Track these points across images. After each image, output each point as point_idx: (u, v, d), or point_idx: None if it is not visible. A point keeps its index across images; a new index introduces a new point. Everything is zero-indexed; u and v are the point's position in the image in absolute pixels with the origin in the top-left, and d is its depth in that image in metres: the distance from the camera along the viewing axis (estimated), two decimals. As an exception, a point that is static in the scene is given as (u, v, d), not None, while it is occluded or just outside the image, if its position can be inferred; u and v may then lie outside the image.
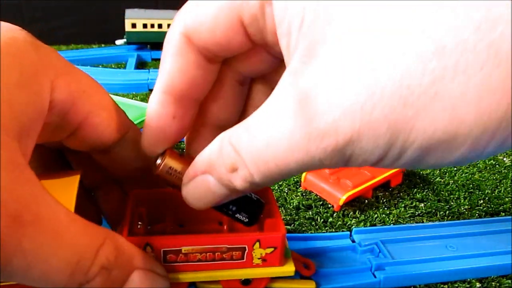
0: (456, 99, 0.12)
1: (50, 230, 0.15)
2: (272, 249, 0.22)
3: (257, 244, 0.22)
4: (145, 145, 0.20)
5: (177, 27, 0.18)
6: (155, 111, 0.19)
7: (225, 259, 0.22)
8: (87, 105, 0.19)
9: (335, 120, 0.13)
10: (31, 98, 0.17)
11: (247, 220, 0.22)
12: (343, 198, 0.34)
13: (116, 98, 0.38)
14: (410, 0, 0.12)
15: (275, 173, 0.16)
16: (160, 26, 0.68)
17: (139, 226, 0.22)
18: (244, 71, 0.21)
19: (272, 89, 0.17)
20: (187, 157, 0.21)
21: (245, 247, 0.22)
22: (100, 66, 0.65)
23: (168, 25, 0.67)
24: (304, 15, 0.14)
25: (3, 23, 0.18)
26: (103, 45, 0.72)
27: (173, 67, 0.19)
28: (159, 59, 0.67)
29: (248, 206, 0.22)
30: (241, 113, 0.22)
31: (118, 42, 0.69)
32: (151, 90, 0.57)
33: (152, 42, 0.69)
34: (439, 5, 0.12)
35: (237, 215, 0.22)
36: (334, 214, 0.35)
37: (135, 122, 0.34)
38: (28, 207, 0.15)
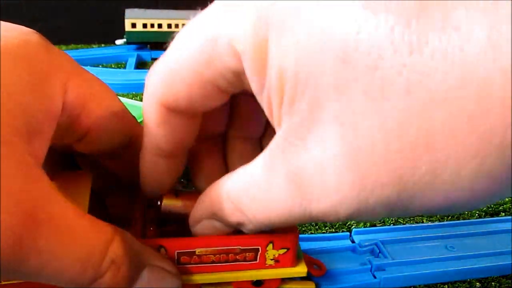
0: (449, 186, 0.12)
1: (63, 228, 0.16)
2: (285, 250, 0.22)
3: (270, 245, 0.22)
4: (146, 192, 0.22)
5: (154, 98, 0.18)
6: (148, 169, 0.21)
7: (238, 260, 0.22)
8: (97, 109, 0.19)
9: (333, 205, 0.14)
10: (43, 100, 0.17)
11: None
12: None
13: (116, 98, 0.38)
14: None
15: (275, 226, 0.17)
16: (160, 26, 0.68)
17: (151, 228, 0.22)
18: None
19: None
20: (184, 193, 0.22)
21: (258, 248, 0.22)
22: (100, 66, 0.65)
23: (168, 25, 0.68)
24: (284, 93, 0.14)
25: (16, 25, 0.18)
26: (103, 45, 0.72)
27: (158, 133, 0.19)
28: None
29: None
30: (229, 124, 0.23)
31: (118, 42, 0.69)
32: (151, 90, 0.57)
33: (152, 42, 0.68)
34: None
35: None
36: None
37: (135, 122, 0.34)
38: (42, 206, 0.15)
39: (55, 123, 0.18)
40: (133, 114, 0.35)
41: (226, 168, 0.23)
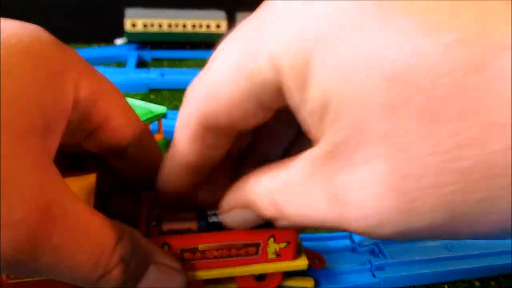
0: (505, 215, 0.12)
1: (76, 225, 0.16)
2: (285, 243, 0.23)
3: (272, 239, 0.22)
4: (161, 198, 0.22)
5: (192, 115, 0.18)
6: (171, 181, 0.21)
7: (240, 255, 0.22)
8: (107, 106, 0.20)
9: (374, 226, 0.14)
10: (57, 96, 0.17)
11: None
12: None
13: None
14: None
15: (311, 226, 0.17)
16: (160, 25, 0.68)
17: (154, 224, 0.22)
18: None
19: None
20: (179, 215, 0.23)
21: (259, 243, 0.22)
22: (100, 66, 0.65)
23: (169, 25, 0.68)
24: (329, 109, 0.14)
25: (28, 24, 0.18)
26: (103, 45, 0.72)
27: (190, 150, 0.19)
28: (159, 59, 0.68)
29: None
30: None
31: (118, 41, 0.70)
32: (151, 90, 0.57)
33: (152, 42, 0.69)
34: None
35: None
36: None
37: (135, 122, 0.34)
38: (56, 202, 0.15)
39: (66, 120, 0.18)
40: (133, 113, 0.35)
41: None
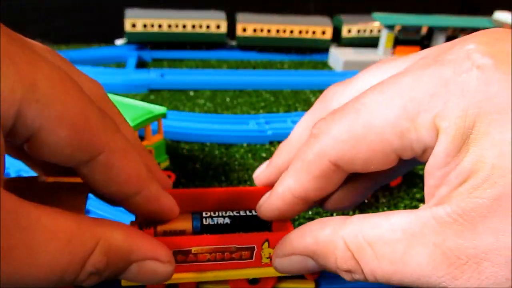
0: None
1: (25, 257, 0.14)
2: None
3: (266, 243, 0.22)
4: (261, 216, 0.22)
5: (327, 155, 0.18)
6: (283, 208, 0.21)
7: (234, 259, 0.22)
8: (37, 119, 0.16)
9: None
10: None
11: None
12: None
13: (116, 98, 0.38)
14: None
15: (392, 283, 0.17)
16: (160, 26, 0.68)
17: (147, 228, 0.22)
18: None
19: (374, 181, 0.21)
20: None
21: (254, 247, 0.22)
22: (100, 66, 0.65)
23: (169, 25, 0.68)
24: (471, 178, 0.15)
25: None
26: (103, 45, 0.72)
27: (315, 185, 0.20)
28: (159, 59, 0.68)
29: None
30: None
31: (118, 42, 0.70)
32: (150, 90, 0.57)
33: (152, 42, 0.69)
34: None
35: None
36: (334, 214, 0.35)
37: (135, 123, 0.34)
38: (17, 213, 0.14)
39: None
40: (133, 114, 0.35)
41: None
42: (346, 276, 0.18)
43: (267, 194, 0.22)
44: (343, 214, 0.35)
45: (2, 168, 0.15)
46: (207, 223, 0.23)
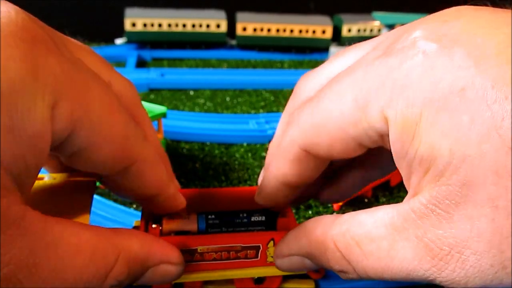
0: None
1: (50, 273, 0.14)
2: None
3: (271, 242, 0.22)
4: (259, 202, 0.23)
5: (297, 142, 0.20)
6: (269, 191, 0.22)
7: (239, 258, 0.22)
8: (88, 137, 0.17)
9: (466, 277, 0.15)
10: (25, 141, 0.14)
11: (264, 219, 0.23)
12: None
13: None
14: None
15: (385, 279, 0.17)
16: (160, 25, 0.68)
17: (153, 226, 0.22)
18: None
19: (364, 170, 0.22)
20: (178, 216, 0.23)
21: (259, 246, 0.22)
22: (100, 65, 0.65)
23: (169, 25, 0.68)
24: (432, 165, 0.15)
25: None
26: (103, 45, 0.72)
27: (291, 170, 0.21)
28: (159, 59, 0.68)
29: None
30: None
31: (118, 41, 0.70)
32: (150, 89, 0.57)
33: (152, 41, 0.69)
34: None
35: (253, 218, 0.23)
36: (334, 214, 0.35)
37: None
38: (24, 266, 0.14)
39: (43, 159, 0.15)
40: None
41: None
42: (342, 276, 0.18)
43: (259, 182, 0.24)
44: (343, 212, 0.35)
45: (30, 186, 0.16)
46: (212, 222, 0.23)
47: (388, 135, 0.17)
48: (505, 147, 0.13)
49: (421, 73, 0.15)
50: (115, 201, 0.35)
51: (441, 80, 0.14)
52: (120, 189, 0.21)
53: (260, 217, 0.24)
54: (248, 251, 0.22)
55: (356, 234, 0.17)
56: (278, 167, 0.21)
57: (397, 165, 0.17)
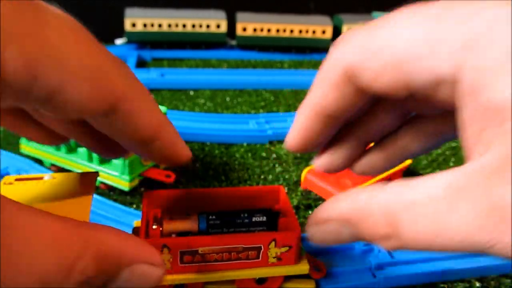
0: None
1: (21, 240, 0.13)
2: (287, 248, 0.23)
3: (273, 243, 0.22)
4: (288, 145, 0.21)
5: (341, 61, 0.18)
6: (304, 125, 0.20)
7: (240, 259, 0.22)
8: (55, 76, 0.15)
9: None
10: None
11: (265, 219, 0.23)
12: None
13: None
14: None
15: (432, 249, 0.15)
16: (160, 25, 0.68)
17: (154, 227, 0.22)
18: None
19: (400, 111, 0.20)
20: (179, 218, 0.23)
21: (260, 247, 0.22)
22: (100, 65, 0.65)
23: (169, 25, 0.68)
24: (507, 116, 0.13)
25: None
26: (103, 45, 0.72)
27: (330, 96, 0.19)
28: (159, 59, 0.68)
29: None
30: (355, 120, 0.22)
31: (118, 41, 0.70)
32: (150, 90, 0.57)
33: (152, 42, 0.69)
34: None
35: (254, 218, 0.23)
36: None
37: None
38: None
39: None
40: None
41: None
42: (383, 244, 0.16)
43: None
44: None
45: None
46: (213, 223, 0.23)
47: (447, 84, 0.15)
48: None
49: (505, 23, 0.14)
50: (115, 201, 0.35)
51: None
52: (113, 134, 0.19)
53: (262, 217, 0.23)
54: (250, 252, 0.22)
55: (408, 197, 0.15)
56: (316, 91, 0.19)
57: (462, 122, 0.15)
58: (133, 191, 0.36)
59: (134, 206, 0.35)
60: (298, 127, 0.20)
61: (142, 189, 0.36)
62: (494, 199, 0.13)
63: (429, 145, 0.21)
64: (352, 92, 0.18)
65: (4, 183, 0.21)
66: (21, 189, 0.21)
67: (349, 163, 0.22)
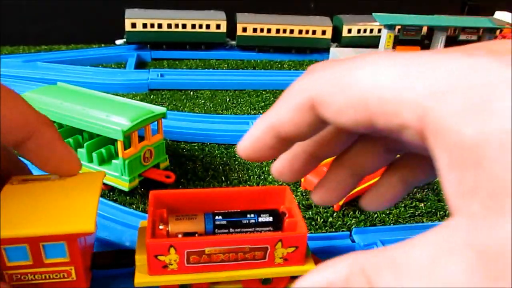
0: None
1: None
2: (293, 248, 0.23)
3: (279, 243, 0.22)
4: (239, 151, 0.21)
5: (308, 91, 0.18)
6: (257, 136, 0.20)
7: (247, 259, 0.22)
8: None
9: None
10: None
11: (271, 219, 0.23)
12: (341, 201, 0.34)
13: (116, 98, 0.38)
14: None
15: None
16: (160, 26, 0.68)
17: (160, 227, 0.22)
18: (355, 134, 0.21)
19: (377, 145, 0.21)
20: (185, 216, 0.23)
21: (267, 247, 0.22)
22: (100, 66, 0.65)
23: (168, 25, 0.68)
24: (482, 155, 0.13)
25: None
26: (103, 45, 0.72)
27: (288, 117, 0.19)
28: (158, 59, 0.68)
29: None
30: (343, 153, 0.23)
31: (118, 42, 0.70)
32: (150, 90, 0.57)
33: (152, 42, 0.69)
34: None
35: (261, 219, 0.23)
36: (334, 214, 0.35)
37: (135, 122, 0.34)
38: None
39: None
40: (133, 114, 0.35)
41: None
42: None
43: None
44: (365, 219, 0.35)
45: None
46: (219, 223, 0.23)
47: (412, 130, 0.15)
48: None
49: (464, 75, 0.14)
50: (115, 201, 0.35)
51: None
52: (31, 156, 0.21)
53: (268, 218, 0.23)
54: (256, 253, 0.22)
55: (392, 255, 0.15)
56: (276, 110, 0.19)
57: (439, 172, 0.15)
58: (132, 192, 0.36)
59: (134, 206, 0.35)
60: (250, 136, 0.21)
61: (142, 189, 0.36)
62: (479, 247, 0.13)
63: (430, 177, 0.22)
64: (311, 120, 0.19)
65: (12, 183, 0.21)
66: (28, 189, 0.21)
67: (346, 194, 0.23)
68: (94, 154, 0.35)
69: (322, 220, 0.34)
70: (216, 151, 0.43)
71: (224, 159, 0.42)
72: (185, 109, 0.53)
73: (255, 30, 0.71)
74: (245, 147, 0.21)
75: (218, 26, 0.69)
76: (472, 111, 0.14)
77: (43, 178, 0.22)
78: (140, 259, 0.22)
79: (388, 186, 0.23)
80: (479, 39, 0.75)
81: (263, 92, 0.59)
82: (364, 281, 0.15)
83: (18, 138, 0.20)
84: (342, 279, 0.16)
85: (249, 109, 0.53)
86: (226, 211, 0.24)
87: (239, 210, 0.24)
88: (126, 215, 0.33)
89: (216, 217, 0.23)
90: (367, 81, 0.16)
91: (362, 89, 0.16)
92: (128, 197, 0.36)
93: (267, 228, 0.23)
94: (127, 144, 0.35)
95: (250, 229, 0.23)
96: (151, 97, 0.56)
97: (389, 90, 0.16)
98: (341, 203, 0.34)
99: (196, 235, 0.23)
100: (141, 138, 0.36)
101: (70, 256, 0.20)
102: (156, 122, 0.37)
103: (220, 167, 0.40)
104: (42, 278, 0.21)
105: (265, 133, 0.20)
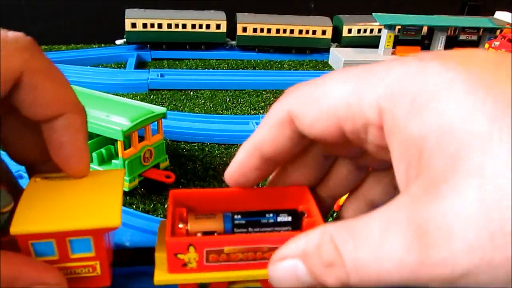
0: None
1: None
2: None
3: None
4: (226, 177, 0.23)
5: (285, 106, 0.20)
6: (242, 158, 0.22)
7: (266, 259, 0.22)
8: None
9: (454, 254, 0.14)
10: None
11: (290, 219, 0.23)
12: (343, 197, 0.34)
13: (116, 98, 0.38)
14: None
15: (374, 282, 0.16)
16: (160, 26, 0.68)
17: (180, 226, 0.22)
18: (332, 152, 0.23)
19: (355, 166, 0.23)
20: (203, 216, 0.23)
21: None
22: (100, 66, 0.65)
23: (168, 25, 0.68)
24: (423, 147, 0.15)
25: None
26: (103, 45, 0.72)
27: (269, 134, 0.21)
28: (158, 59, 0.68)
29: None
30: (321, 181, 0.25)
31: (118, 42, 0.70)
32: (150, 90, 0.57)
33: (152, 42, 0.69)
34: None
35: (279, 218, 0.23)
36: (334, 214, 0.35)
37: (135, 122, 0.34)
38: None
39: None
40: (133, 114, 0.35)
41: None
42: (331, 277, 0.18)
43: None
44: (343, 214, 0.35)
45: None
46: (238, 223, 0.23)
47: (374, 127, 0.17)
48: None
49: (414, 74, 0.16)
50: (115, 201, 0.35)
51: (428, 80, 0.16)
52: (21, 109, 0.20)
53: (287, 217, 0.24)
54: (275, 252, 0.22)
55: (353, 225, 0.17)
56: (258, 130, 0.21)
57: (393, 163, 0.17)
58: (132, 192, 0.36)
59: (134, 206, 0.35)
60: (235, 161, 0.22)
61: (142, 189, 0.36)
62: (417, 223, 0.15)
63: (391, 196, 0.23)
64: (289, 134, 0.20)
65: (35, 180, 0.22)
66: (52, 185, 0.21)
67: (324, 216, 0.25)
68: (94, 154, 0.36)
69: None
70: (216, 151, 0.43)
71: (224, 159, 0.42)
72: (185, 109, 0.53)
73: (255, 30, 0.71)
74: (231, 173, 0.22)
75: (218, 26, 0.69)
76: (417, 110, 0.16)
77: (64, 176, 0.22)
78: (160, 257, 0.22)
79: (356, 210, 0.25)
80: (479, 39, 0.75)
81: (263, 92, 0.59)
82: (332, 248, 0.17)
83: (54, 113, 0.20)
84: (314, 247, 0.18)
85: (249, 109, 0.54)
86: (245, 210, 0.24)
87: (257, 210, 0.24)
88: (126, 215, 0.33)
89: (235, 217, 0.23)
90: (334, 93, 0.19)
91: (330, 99, 0.19)
92: (128, 197, 0.36)
93: (286, 228, 0.23)
94: (127, 144, 0.35)
95: (268, 229, 0.23)
96: (151, 97, 0.56)
97: (353, 96, 0.18)
98: (341, 202, 0.34)
99: (215, 234, 0.23)
100: (141, 138, 0.36)
101: (96, 251, 0.21)
102: (156, 122, 0.37)
103: (220, 167, 0.40)
104: (68, 273, 0.21)
105: (250, 154, 0.21)
